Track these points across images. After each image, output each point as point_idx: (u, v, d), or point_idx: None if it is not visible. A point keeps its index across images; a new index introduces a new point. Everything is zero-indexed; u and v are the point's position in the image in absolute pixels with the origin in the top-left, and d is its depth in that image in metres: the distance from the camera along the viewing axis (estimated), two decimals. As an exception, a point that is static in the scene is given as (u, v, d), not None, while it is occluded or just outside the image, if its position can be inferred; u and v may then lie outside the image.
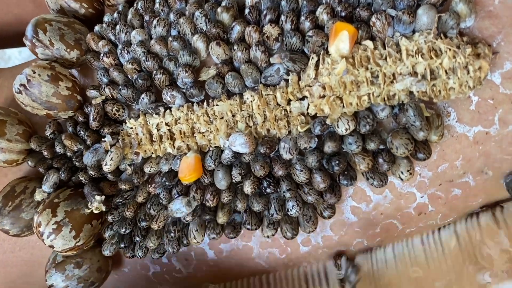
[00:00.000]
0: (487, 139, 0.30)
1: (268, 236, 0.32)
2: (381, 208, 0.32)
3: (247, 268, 0.35)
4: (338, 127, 0.29)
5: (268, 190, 0.30)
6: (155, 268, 0.36)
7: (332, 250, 0.34)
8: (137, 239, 0.34)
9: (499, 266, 0.32)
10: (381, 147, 0.30)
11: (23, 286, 0.40)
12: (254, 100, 0.30)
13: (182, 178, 0.31)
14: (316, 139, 0.30)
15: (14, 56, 0.72)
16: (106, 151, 0.32)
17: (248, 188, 0.30)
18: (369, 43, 0.28)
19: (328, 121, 0.29)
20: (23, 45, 0.35)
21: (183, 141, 0.31)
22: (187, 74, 0.31)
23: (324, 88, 0.29)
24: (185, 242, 0.33)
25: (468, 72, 0.27)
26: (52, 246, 0.32)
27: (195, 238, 0.32)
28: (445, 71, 0.27)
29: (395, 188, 0.31)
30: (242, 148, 0.29)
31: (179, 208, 0.31)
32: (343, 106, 0.29)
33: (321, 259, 0.34)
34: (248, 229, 0.31)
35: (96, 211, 0.33)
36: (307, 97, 0.29)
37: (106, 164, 0.32)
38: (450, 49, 0.27)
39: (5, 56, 0.72)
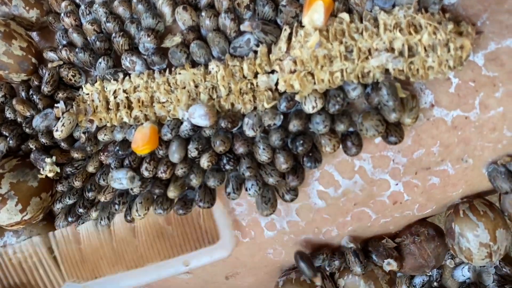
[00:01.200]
0: (467, 124, 0.30)
1: None
2: (351, 194, 0.32)
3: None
4: (305, 104, 0.29)
5: (227, 167, 0.30)
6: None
7: (299, 237, 0.34)
8: (80, 210, 0.34)
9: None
10: (351, 129, 0.29)
11: None
12: (219, 70, 0.30)
13: (135, 149, 0.31)
14: (282, 117, 0.30)
15: None
16: (58, 118, 0.32)
17: (205, 162, 0.30)
18: (345, 16, 0.28)
19: (297, 98, 0.29)
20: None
21: (141, 111, 0.31)
22: (149, 38, 0.30)
23: (295, 62, 0.28)
24: (128, 218, 0.33)
25: (449, 51, 0.27)
26: (-4, 220, 0.32)
27: (137, 211, 0.32)
28: (424, 48, 0.28)
29: (366, 174, 0.31)
30: (201, 120, 0.29)
31: (120, 178, 0.31)
32: (315, 83, 0.28)
33: (287, 246, 0.34)
34: (200, 206, 0.31)
35: (50, 175, 0.32)
36: (276, 72, 0.29)
37: (57, 130, 0.32)
38: (430, 25, 0.27)
39: None
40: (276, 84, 0.30)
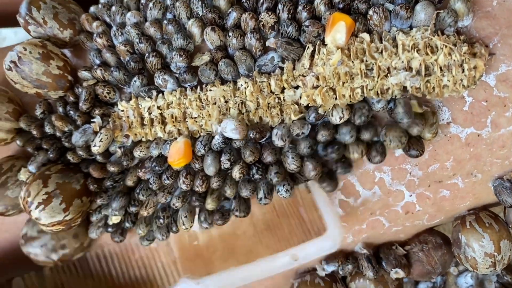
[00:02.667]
0: (479, 142, 0.29)
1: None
2: (369, 204, 0.31)
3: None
4: (332, 115, 0.28)
5: (256, 176, 0.29)
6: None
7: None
8: (127, 225, 0.32)
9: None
10: (375, 139, 0.29)
11: (10, 267, 0.38)
12: (248, 86, 0.29)
13: (171, 162, 0.30)
14: (310, 126, 0.29)
15: (10, 37, 0.69)
16: (95, 133, 0.31)
17: (236, 173, 0.29)
18: (365, 36, 0.27)
19: (320, 111, 0.28)
20: (19, 25, 0.34)
21: (174, 126, 0.30)
22: (181, 58, 0.29)
23: (317, 78, 0.28)
24: (174, 229, 0.32)
25: (463, 71, 0.26)
26: (38, 219, 0.31)
27: (184, 224, 0.31)
28: (440, 67, 0.27)
29: (384, 185, 0.30)
30: (233, 134, 0.28)
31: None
32: (336, 98, 0.27)
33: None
34: (237, 216, 0.30)
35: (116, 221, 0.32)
36: (299, 87, 0.28)
37: (95, 145, 0.31)
38: (446, 46, 0.26)
39: (0, 36, 0.70)
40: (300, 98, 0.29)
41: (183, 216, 0.31)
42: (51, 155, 0.32)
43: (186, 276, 0.35)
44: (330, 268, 0.33)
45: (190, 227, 0.31)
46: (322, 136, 0.28)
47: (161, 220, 0.32)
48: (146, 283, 0.36)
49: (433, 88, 0.27)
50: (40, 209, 0.30)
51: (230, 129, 0.28)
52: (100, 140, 0.31)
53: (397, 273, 0.32)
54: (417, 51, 0.27)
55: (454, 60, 0.26)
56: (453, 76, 0.26)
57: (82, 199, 0.32)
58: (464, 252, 0.31)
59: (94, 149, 0.31)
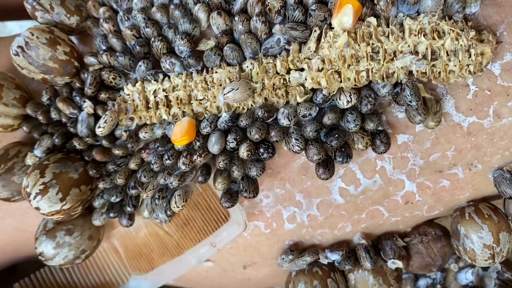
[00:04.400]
0: (480, 131, 0.25)
1: None
2: (369, 193, 0.27)
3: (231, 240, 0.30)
4: (340, 99, 0.24)
5: (265, 155, 0.26)
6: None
7: (316, 231, 0.29)
8: (129, 209, 0.29)
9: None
10: (380, 128, 0.25)
11: (13, 254, 0.34)
12: (253, 68, 0.25)
13: (174, 140, 0.26)
14: (317, 108, 0.25)
15: (15, 30, 0.65)
16: (90, 115, 0.27)
17: (244, 152, 0.25)
18: (372, 20, 0.24)
19: (325, 91, 0.24)
20: (25, 18, 0.30)
21: (179, 108, 0.27)
22: (183, 42, 0.26)
23: (323, 61, 0.24)
24: (168, 212, 0.28)
25: (470, 56, 0.23)
26: (38, 208, 0.27)
27: (176, 203, 0.27)
28: (447, 52, 0.23)
29: (386, 174, 0.27)
30: (232, 93, 0.25)
31: None
32: (341, 81, 0.24)
33: (304, 239, 0.29)
34: (245, 197, 0.26)
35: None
36: (305, 69, 0.25)
37: (99, 127, 0.27)
38: (453, 31, 0.23)
39: (6, 30, 0.65)
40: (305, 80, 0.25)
41: (177, 195, 0.27)
42: (56, 140, 0.29)
43: (135, 273, 0.32)
44: (333, 256, 0.29)
45: (183, 207, 0.27)
46: (329, 119, 0.25)
47: (157, 201, 0.28)
48: (104, 285, 0.33)
49: (439, 73, 0.23)
50: (38, 199, 0.27)
51: (232, 89, 0.25)
52: (105, 122, 0.27)
53: (395, 264, 0.29)
54: (424, 36, 0.23)
55: (461, 45, 0.23)
56: (459, 61, 0.23)
57: (80, 188, 0.28)
58: (463, 243, 0.28)
59: (99, 131, 0.27)
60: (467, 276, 0.33)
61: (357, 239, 0.29)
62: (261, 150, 0.26)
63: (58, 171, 0.28)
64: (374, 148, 0.25)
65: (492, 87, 0.24)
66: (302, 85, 0.25)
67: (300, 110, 0.25)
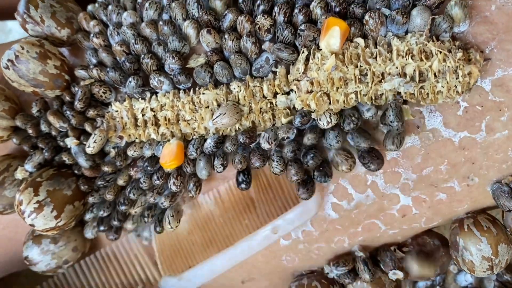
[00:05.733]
0: (473, 145, 0.30)
1: None
2: (363, 207, 0.32)
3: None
4: (320, 120, 0.29)
5: (242, 186, 0.31)
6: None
7: (312, 245, 0.34)
8: (115, 223, 0.34)
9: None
10: (366, 146, 0.30)
11: (7, 264, 0.40)
12: (240, 90, 0.30)
13: (163, 164, 0.31)
14: (295, 131, 0.30)
15: (15, 29, 0.70)
16: (79, 144, 0.33)
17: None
18: (360, 41, 0.28)
19: (313, 115, 0.29)
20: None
21: (167, 128, 0.31)
22: (173, 60, 0.30)
23: (312, 83, 0.28)
24: (158, 229, 0.33)
25: (457, 77, 0.27)
26: (32, 225, 0.32)
27: (170, 223, 0.32)
28: (434, 74, 0.27)
29: (378, 189, 0.31)
30: (221, 119, 0.29)
31: None
32: (330, 103, 0.28)
33: (300, 253, 0.34)
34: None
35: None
36: (294, 92, 0.29)
37: (89, 147, 0.32)
38: (440, 52, 0.27)
39: (6, 29, 0.71)
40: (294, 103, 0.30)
41: (169, 216, 0.33)
42: (46, 154, 0.33)
43: (167, 275, 0.36)
44: (339, 271, 0.34)
45: (176, 227, 0.32)
46: (308, 139, 0.29)
47: (146, 219, 0.33)
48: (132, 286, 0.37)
49: (427, 94, 0.28)
50: (33, 217, 0.32)
51: (220, 114, 0.29)
52: (94, 141, 0.32)
53: (396, 274, 0.33)
54: (411, 57, 0.27)
55: (449, 67, 0.27)
56: (447, 82, 0.27)
57: (74, 204, 0.33)
58: (461, 255, 0.32)
59: (88, 150, 0.32)
60: (467, 278, 0.38)
61: (355, 252, 0.34)
62: (239, 179, 0.31)
63: (52, 189, 0.33)
64: (368, 166, 0.29)
65: (483, 103, 0.29)
66: (289, 108, 0.30)
67: (279, 133, 0.30)
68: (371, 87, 0.28)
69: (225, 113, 0.29)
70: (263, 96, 0.30)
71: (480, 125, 0.29)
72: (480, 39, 0.28)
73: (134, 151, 0.32)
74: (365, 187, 0.31)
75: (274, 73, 0.30)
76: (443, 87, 0.27)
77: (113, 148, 0.33)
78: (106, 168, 0.33)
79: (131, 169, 0.33)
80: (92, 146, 0.32)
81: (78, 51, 0.35)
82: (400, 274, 0.33)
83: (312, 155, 0.29)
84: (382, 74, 0.28)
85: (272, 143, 0.30)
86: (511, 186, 0.31)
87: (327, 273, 0.35)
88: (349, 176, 0.31)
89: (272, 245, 0.34)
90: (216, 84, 0.31)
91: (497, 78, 0.28)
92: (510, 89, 0.28)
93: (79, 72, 0.33)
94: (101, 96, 0.33)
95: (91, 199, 0.34)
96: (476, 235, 0.32)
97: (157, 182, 0.32)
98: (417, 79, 0.28)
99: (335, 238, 0.34)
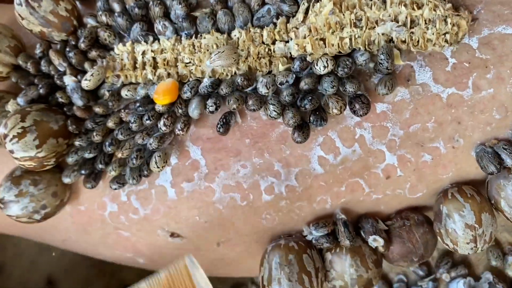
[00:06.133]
0: (460, 103, 0.31)
1: None
2: (349, 163, 0.32)
3: (205, 214, 0.34)
4: (316, 65, 0.30)
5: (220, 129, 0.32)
6: (113, 207, 0.35)
7: (294, 204, 0.33)
8: (100, 166, 0.33)
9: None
10: (359, 92, 0.30)
11: None
12: (241, 36, 0.31)
13: (156, 99, 0.31)
14: (294, 76, 0.30)
15: None
16: (77, 81, 0.33)
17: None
18: (356, -10, 0.30)
19: (308, 58, 0.30)
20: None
21: (165, 69, 0.32)
22: (180, 6, 0.32)
23: (310, 30, 0.30)
24: (146, 172, 0.33)
25: (447, 24, 0.28)
26: (12, 151, 0.32)
27: (156, 163, 0.32)
28: (425, 21, 0.29)
29: (365, 143, 0.32)
30: (218, 59, 0.30)
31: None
32: (326, 47, 0.29)
33: (281, 212, 0.33)
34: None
35: None
36: (291, 39, 0.30)
37: (86, 79, 0.33)
38: (431, 2, 0.29)
39: None
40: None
41: (157, 156, 0.32)
42: (41, 90, 0.34)
43: None
44: (318, 233, 0.33)
45: (163, 167, 0.32)
46: (305, 83, 0.30)
47: (134, 161, 0.33)
48: None
49: (418, 41, 0.29)
50: (14, 142, 0.32)
51: (218, 52, 0.30)
52: (92, 75, 0.33)
53: (376, 241, 0.32)
54: (404, 6, 0.29)
55: (438, 15, 0.29)
56: (436, 29, 0.29)
57: (58, 140, 0.33)
58: (444, 224, 0.32)
59: (85, 83, 0.33)
60: (459, 286, 0.36)
61: (337, 215, 0.33)
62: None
63: (39, 119, 0.33)
64: (355, 111, 0.30)
65: (471, 60, 0.30)
66: (286, 56, 0.31)
67: (277, 78, 0.31)
68: (365, 31, 0.29)
69: (223, 52, 0.31)
70: (262, 42, 0.31)
71: (467, 82, 0.30)
72: (468, 1, 0.30)
73: (128, 90, 0.33)
74: (352, 141, 0.32)
75: (275, 24, 0.31)
76: (433, 34, 0.29)
77: (108, 91, 0.34)
78: (97, 109, 0.33)
79: (122, 111, 0.33)
80: (89, 79, 0.33)
81: (89, 3, 0.36)
82: (380, 241, 0.32)
83: (310, 98, 0.30)
84: (376, 21, 0.29)
85: (270, 88, 0.30)
86: (495, 148, 0.31)
87: (306, 236, 0.34)
88: (338, 128, 0.32)
89: (253, 200, 0.33)
90: (217, 32, 0.32)
91: (483, 36, 0.30)
92: (496, 47, 0.30)
93: (88, 20, 0.34)
94: (105, 39, 0.34)
95: (77, 142, 0.34)
96: (460, 201, 0.32)
97: (148, 122, 0.32)
98: (408, 25, 0.29)
99: (317, 197, 0.33)
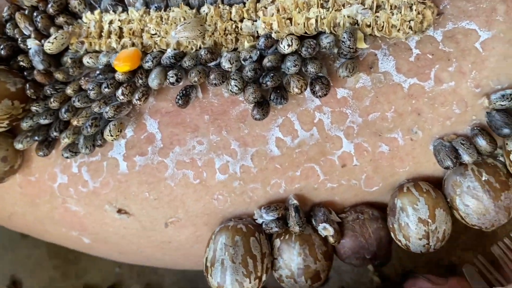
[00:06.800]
0: (421, 94, 0.31)
1: None
2: (306, 147, 0.31)
3: (155, 191, 0.32)
4: (281, 43, 0.30)
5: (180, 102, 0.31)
6: (63, 178, 0.34)
7: (248, 185, 0.32)
8: (54, 133, 0.32)
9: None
10: (320, 74, 0.30)
11: None
12: (209, 12, 0.31)
13: (115, 65, 0.31)
14: (258, 52, 0.30)
15: None
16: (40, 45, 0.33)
17: None
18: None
19: (274, 35, 0.29)
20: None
21: (130, 39, 0.32)
22: (151, -22, 0.32)
23: (278, 10, 0.30)
24: (99, 142, 0.32)
25: (412, 11, 0.28)
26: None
27: (110, 131, 0.31)
28: (391, 6, 0.29)
29: (323, 128, 0.31)
30: (182, 30, 0.30)
31: None
32: (292, 25, 0.29)
33: (234, 194, 0.32)
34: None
35: None
36: (260, 18, 0.30)
37: (48, 42, 0.32)
38: (398, -12, 0.29)
39: None
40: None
41: (111, 125, 0.32)
42: (2, 51, 0.33)
43: None
44: (268, 217, 0.32)
45: (117, 136, 0.31)
46: (268, 60, 0.30)
47: (89, 128, 0.32)
48: None
49: (382, 26, 0.29)
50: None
51: (184, 23, 0.30)
52: (55, 38, 0.32)
53: (326, 230, 0.31)
54: (371, -9, 0.29)
55: (404, 1, 0.29)
56: (401, 16, 0.29)
57: (13, 102, 0.32)
58: (398, 219, 0.31)
59: (47, 46, 0.32)
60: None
61: (289, 200, 0.32)
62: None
63: (-5, 77, 0.32)
64: (314, 91, 0.29)
65: (434, 52, 0.30)
66: (253, 36, 0.31)
67: (241, 53, 0.30)
68: (331, 12, 0.29)
69: (189, 23, 0.30)
70: (230, 19, 0.31)
71: (429, 73, 0.30)
72: (434, -3, 0.30)
73: (90, 58, 0.32)
74: (311, 124, 0.31)
75: (244, 4, 0.31)
76: (398, 20, 0.29)
77: (70, 58, 0.33)
78: (58, 75, 0.33)
79: (82, 78, 0.32)
80: (51, 41, 0.32)
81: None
82: (330, 230, 0.32)
83: (271, 75, 0.30)
84: (343, 4, 0.29)
85: (233, 63, 0.30)
86: (453, 143, 0.31)
87: (256, 219, 0.33)
88: (298, 111, 0.31)
89: (206, 178, 0.32)
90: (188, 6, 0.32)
91: (448, 30, 0.30)
92: (459, 41, 0.30)
93: (59, -13, 0.34)
94: (76, 7, 0.34)
95: (34, 107, 0.33)
96: (415, 195, 0.31)
97: (106, 90, 0.31)
98: (374, 9, 0.29)
99: (272, 180, 0.32)
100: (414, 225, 0.30)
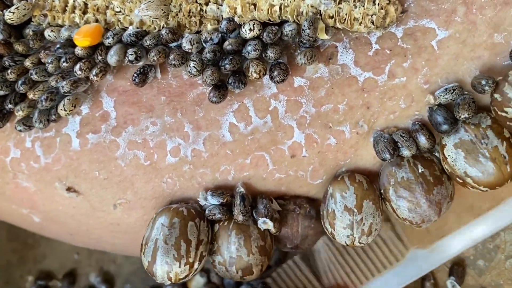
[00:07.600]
0: (373, 88, 0.31)
1: None
2: (258, 135, 0.31)
3: (105, 170, 0.32)
4: (243, 27, 0.30)
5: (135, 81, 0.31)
6: (16, 153, 0.33)
7: (197, 170, 0.32)
8: (9, 106, 0.32)
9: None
10: (279, 60, 0.30)
11: None
12: (176, -8, 0.31)
13: (75, 39, 0.31)
14: (220, 35, 0.30)
15: None
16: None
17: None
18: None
19: (236, 19, 0.29)
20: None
21: (94, 14, 0.32)
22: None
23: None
24: (54, 117, 0.31)
25: (375, 5, 0.28)
26: None
27: (64, 106, 0.31)
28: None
29: (277, 117, 0.31)
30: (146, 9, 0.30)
31: None
32: (255, 11, 0.29)
33: (183, 178, 0.32)
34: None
35: None
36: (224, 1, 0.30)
37: (9, 11, 0.32)
38: (362, -19, 0.29)
39: None
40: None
41: (66, 99, 0.31)
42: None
43: (415, 247, 0.36)
44: (213, 201, 0.32)
45: (70, 112, 0.31)
46: (229, 43, 0.30)
47: (44, 102, 0.31)
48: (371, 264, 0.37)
49: (345, 18, 0.29)
50: None
51: (148, 1, 0.30)
52: (17, 8, 0.32)
53: (266, 224, 0.31)
54: (334, -19, 0.29)
55: (368, -4, 0.29)
56: (364, 9, 0.29)
57: None
58: (327, 205, 0.31)
59: (8, 16, 0.32)
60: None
61: (237, 188, 0.31)
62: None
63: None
64: (272, 76, 0.29)
65: (392, 47, 0.30)
66: (218, 20, 0.31)
67: (203, 35, 0.30)
68: (295, 0, 0.29)
69: (153, 2, 0.30)
70: (196, 1, 0.31)
71: (384, 68, 0.30)
72: (400, -5, 0.30)
73: (52, 31, 0.32)
74: (266, 112, 0.31)
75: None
76: (360, 13, 0.29)
77: (33, 31, 0.33)
78: (18, 47, 0.33)
79: (42, 51, 0.32)
80: (13, 11, 0.32)
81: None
82: (270, 224, 0.31)
83: (230, 58, 0.30)
84: (308, -5, 0.29)
85: (194, 44, 0.30)
86: (392, 135, 0.31)
87: (199, 201, 0.32)
88: (254, 97, 0.31)
89: (157, 160, 0.32)
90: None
91: (408, 27, 0.30)
92: (418, 38, 0.30)
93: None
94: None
95: (-10, 78, 0.32)
96: (346, 183, 0.31)
97: (64, 64, 0.31)
98: (337, 1, 0.29)
99: (222, 166, 0.32)
100: (340, 213, 0.30)
